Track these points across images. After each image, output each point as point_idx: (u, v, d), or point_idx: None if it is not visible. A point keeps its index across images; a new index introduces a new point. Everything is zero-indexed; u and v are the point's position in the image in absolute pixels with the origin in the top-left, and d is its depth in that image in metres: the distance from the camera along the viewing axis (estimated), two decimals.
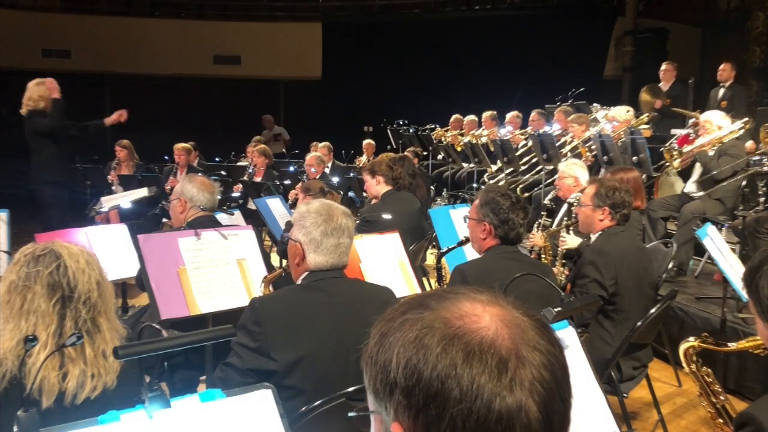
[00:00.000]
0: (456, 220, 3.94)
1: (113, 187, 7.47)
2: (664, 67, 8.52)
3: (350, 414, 0.92)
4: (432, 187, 8.60)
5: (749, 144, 6.01)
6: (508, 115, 9.11)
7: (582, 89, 9.10)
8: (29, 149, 5.95)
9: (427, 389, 0.74)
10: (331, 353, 2.10)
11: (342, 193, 6.69)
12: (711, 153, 5.39)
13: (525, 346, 0.76)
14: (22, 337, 1.70)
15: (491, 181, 7.86)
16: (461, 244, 3.36)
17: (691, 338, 2.04)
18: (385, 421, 0.79)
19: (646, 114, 7.74)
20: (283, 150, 11.91)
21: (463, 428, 0.72)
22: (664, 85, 8.37)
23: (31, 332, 1.72)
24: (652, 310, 3.06)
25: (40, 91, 5.76)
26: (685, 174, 6.08)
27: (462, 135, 9.57)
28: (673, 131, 7.42)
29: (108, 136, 12.78)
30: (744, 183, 5.57)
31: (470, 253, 3.25)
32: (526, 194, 7.15)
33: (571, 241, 4.07)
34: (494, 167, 8.16)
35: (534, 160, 7.49)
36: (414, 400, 0.75)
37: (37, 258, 1.81)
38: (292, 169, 8.34)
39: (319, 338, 2.11)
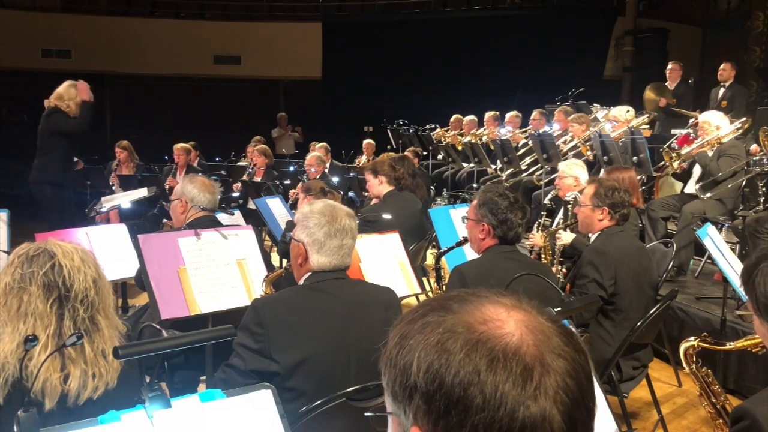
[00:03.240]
0: (456, 220, 3.94)
1: (113, 188, 7.47)
2: (670, 66, 8.51)
3: (366, 414, 0.91)
4: (432, 187, 8.60)
5: (753, 147, 6.01)
6: (508, 115, 9.12)
7: (582, 89, 9.09)
8: (39, 146, 5.87)
9: (448, 395, 0.72)
10: (333, 355, 2.09)
11: (342, 193, 6.68)
12: (710, 153, 5.39)
13: (550, 353, 0.74)
14: (21, 339, 1.69)
15: (504, 181, 7.82)
16: (460, 244, 3.36)
17: (691, 338, 2.05)
18: (404, 425, 0.77)
19: (647, 114, 7.73)
20: (284, 151, 11.92)
21: None
22: (670, 85, 8.36)
23: (30, 334, 1.71)
24: (652, 310, 3.07)
25: (71, 94, 5.78)
26: (680, 177, 6.07)
27: (462, 135, 9.57)
28: (674, 131, 7.41)
29: (108, 136, 12.82)
30: (744, 183, 5.56)
31: (470, 252, 3.25)
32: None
33: (565, 237, 4.07)
34: (494, 167, 8.17)
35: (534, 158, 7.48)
36: (435, 405, 0.73)
37: (31, 258, 1.79)
38: (292, 169, 8.33)
39: (321, 340, 2.09)
